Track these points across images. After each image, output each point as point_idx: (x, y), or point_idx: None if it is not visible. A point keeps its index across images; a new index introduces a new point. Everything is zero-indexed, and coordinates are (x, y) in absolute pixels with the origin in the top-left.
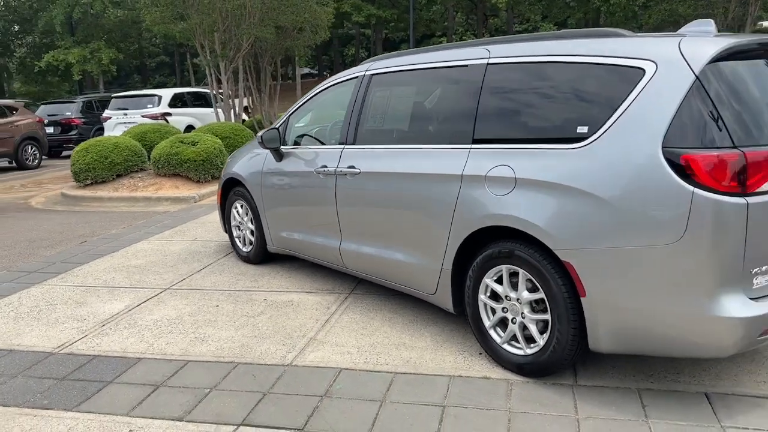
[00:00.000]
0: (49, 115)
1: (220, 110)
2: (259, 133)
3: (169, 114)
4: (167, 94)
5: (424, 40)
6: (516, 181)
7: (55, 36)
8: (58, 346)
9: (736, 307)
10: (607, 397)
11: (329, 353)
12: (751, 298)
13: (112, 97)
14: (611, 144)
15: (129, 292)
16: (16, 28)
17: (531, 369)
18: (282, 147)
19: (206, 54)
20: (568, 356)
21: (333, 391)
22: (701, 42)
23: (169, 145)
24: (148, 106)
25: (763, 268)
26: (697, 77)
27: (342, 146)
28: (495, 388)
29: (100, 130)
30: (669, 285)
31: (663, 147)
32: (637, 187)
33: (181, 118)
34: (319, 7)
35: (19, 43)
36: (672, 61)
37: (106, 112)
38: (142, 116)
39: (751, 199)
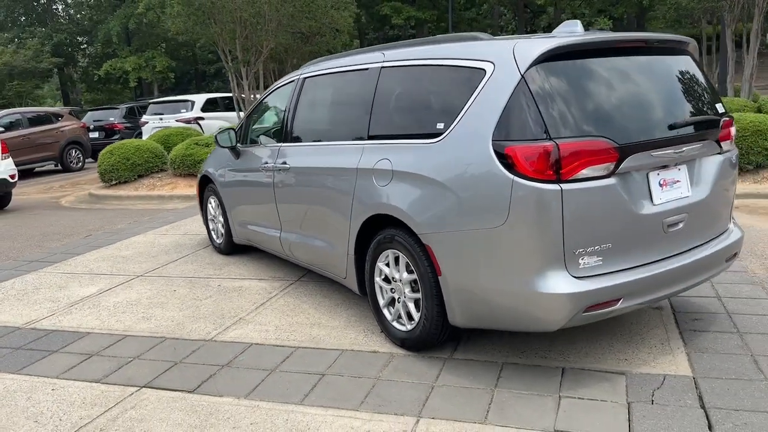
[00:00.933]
0: (94, 121)
1: (242, 113)
2: (215, 133)
3: (202, 118)
4: (200, 99)
5: None
6: (393, 173)
7: (114, 46)
8: (26, 323)
9: (560, 284)
10: (471, 369)
11: (249, 331)
12: (576, 277)
13: (150, 103)
14: (458, 138)
15: (106, 279)
16: (80, 39)
17: (410, 343)
18: (239, 145)
19: (228, 60)
20: (437, 331)
21: (235, 362)
22: (532, 44)
23: (185, 147)
24: (182, 110)
25: (588, 250)
26: (522, 77)
27: (279, 144)
28: (377, 360)
29: (141, 135)
30: (502, 264)
31: (493, 140)
32: (474, 177)
33: (213, 122)
34: (336, 13)
35: (83, 53)
36: (505, 63)
37: (144, 117)
38: (176, 120)
39: (566, 186)
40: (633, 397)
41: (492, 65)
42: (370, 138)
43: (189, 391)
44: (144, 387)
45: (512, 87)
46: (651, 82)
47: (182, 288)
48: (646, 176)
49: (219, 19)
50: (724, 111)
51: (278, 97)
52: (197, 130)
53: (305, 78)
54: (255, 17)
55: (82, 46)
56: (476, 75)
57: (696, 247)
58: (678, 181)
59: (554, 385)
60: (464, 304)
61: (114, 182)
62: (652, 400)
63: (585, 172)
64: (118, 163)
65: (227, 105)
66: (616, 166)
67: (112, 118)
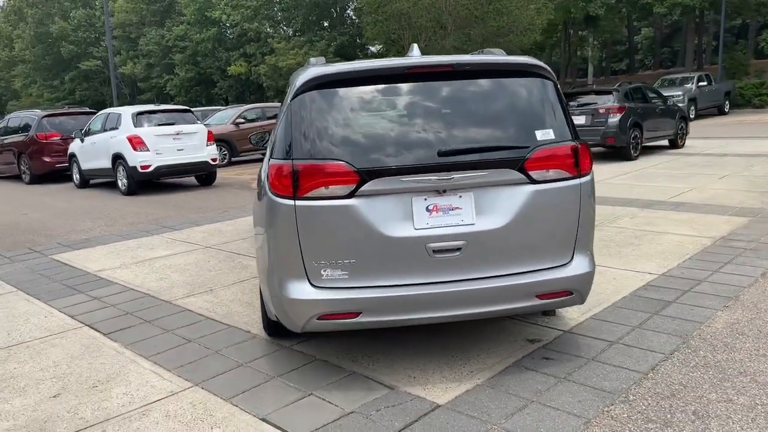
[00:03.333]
0: None
1: None
2: None
3: None
4: None
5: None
6: None
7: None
8: (97, 270)
9: (298, 291)
10: (286, 358)
11: (201, 301)
12: (317, 286)
13: None
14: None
15: (184, 246)
16: (358, 41)
17: (269, 330)
18: None
19: None
20: (276, 322)
21: (159, 321)
22: (307, 73)
23: None
24: None
25: (330, 263)
26: (289, 104)
27: None
28: (243, 338)
29: None
30: (266, 267)
31: (270, 157)
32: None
33: None
34: (520, 12)
35: (364, 53)
36: (291, 90)
37: None
38: None
39: (299, 203)
40: (362, 408)
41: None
42: None
43: (104, 334)
44: (85, 326)
45: (284, 113)
46: (434, 108)
47: (215, 260)
48: (411, 200)
49: (401, 26)
50: (553, 139)
51: None
52: None
53: None
54: (432, 22)
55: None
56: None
57: (486, 277)
58: (457, 208)
59: (321, 384)
60: (266, 301)
61: None
62: (370, 415)
63: (321, 191)
64: None
65: None
66: (356, 188)
67: None
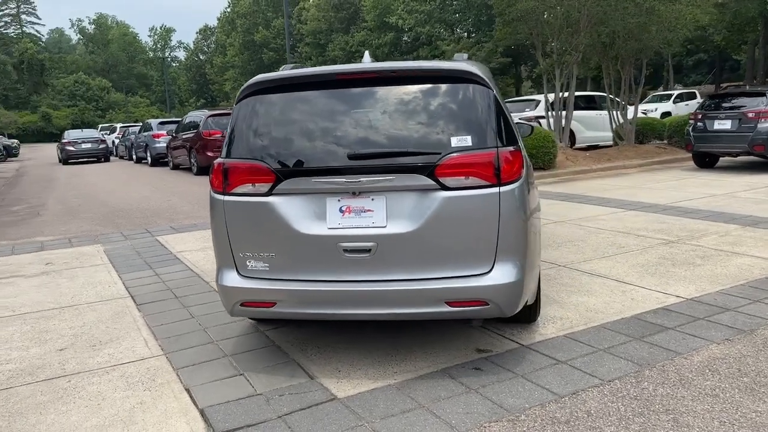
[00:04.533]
0: None
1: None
2: None
3: (543, 117)
4: (545, 98)
5: None
6: None
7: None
8: (178, 252)
9: (226, 278)
10: (254, 341)
11: None
12: (242, 275)
13: (505, 102)
14: None
15: None
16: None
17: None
18: None
19: (543, 60)
20: None
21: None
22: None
23: None
24: (526, 110)
25: (253, 255)
26: (234, 109)
27: None
28: (232, 320)
29: None
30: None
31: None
32: None
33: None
34: (664, 6)
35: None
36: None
37: None
38: (518, 119)
39: (227, 198)
40: (271, 392)
41: None
42: None
43: (137, 305)
44: (129, 296)
45: (231, 116)
46: (354, 113)
47: None
48: (325, 200)
49: (528, 25)
50: (468, 146)
51: None
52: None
53: None
54: (560, 20)
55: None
56: None
57: (395, 280)
58: (369, 210)
59: (257, 366)
60: None
61: None
62: (271, 398)
63: (244, 188)
64: None
65: (579, 104)
66: (273, 187)
67: None
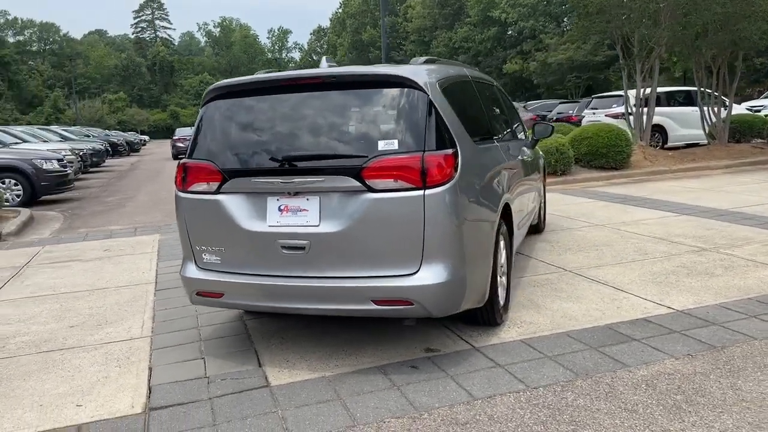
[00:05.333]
0: (558, 113)
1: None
2: None
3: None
4: (633, 94)
5: None
6: None
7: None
8: None
9: (186, 269)
10: (230, 329)
11: None
12: (199, 267)
13: (593, 98)
14: None
15: None
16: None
17: None
18: None
19: (624, 55)
20: None
21: None
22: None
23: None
24: (613, 105)
25: (207, 248)
26: (198, 112)
27: None
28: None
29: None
30: None
31: None
32: None
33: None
34: None
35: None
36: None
37: (585, 111)
38: (605, 115)
39: (184, 195)
40: (216, 375)
41: None
42: None
43: (155, 290)
44: (155, 282)
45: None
46: (296, 116)
47: None
48: (266, 199)
49: (606, 18)
50: (395, 149)
51: None
52: (617, 125)
53: None
54: (638, 13)
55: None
56: None
57: (326, 277)
58: (305, 210)
59: (218, 353)
60: None
61: None
62: (213, 381)
63: (199, 187)
64: None
65: (669, 100)
66: (220, 186)
67: (570, 111)
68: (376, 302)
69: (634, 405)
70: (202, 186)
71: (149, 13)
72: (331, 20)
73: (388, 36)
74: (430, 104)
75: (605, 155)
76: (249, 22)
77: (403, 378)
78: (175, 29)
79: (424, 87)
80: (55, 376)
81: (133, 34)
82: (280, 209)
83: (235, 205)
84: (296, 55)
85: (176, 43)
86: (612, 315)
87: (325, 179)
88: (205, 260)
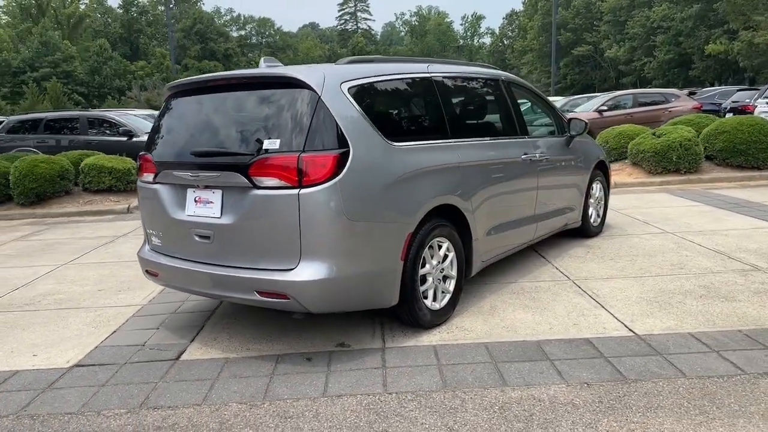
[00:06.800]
0: (732, 102)
1: None
2: None
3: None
4: None
5: None
6: None
7: None
8: None
9: (141, 250)
10: (198, 315)
11: None
12: (150, 249)
13: None
14: None
15: None
16: None
17: None
18: None
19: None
20: None
21: None
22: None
23: (642, 137)
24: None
25: (152, 232)
26: (162, 108)
27: None
28: None
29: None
30: None
31: None
32: None
33: None
34: None
35: None
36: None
37: (758, 100)
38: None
39: (139, 182)
40: (142, 348)
41: None
42: None
43: None
44: None
45: None
46: (206, 115)
47: None
48: (186, 191)
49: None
50: (276, 149)
51: None
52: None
53: None
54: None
55: None
56: None
57: (223, 265)
58: (211, 202)
59: (169, 336)
60: None
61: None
62: (140, 349)
63: (146, 177)
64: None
65: None
66: (155, 176)
67: (747, 100)
68: (260, 293)
69: (462, 425)
70: (148, 176)
71: (352, 5)
72: (524, 3)
73: (581, 18)
74: (319, 104)
75: (744, 152)
76: (446, 9)
77: (287, 368)
78: (374, 20)
79: (315, 87)
80: (47, 329)
81: (338, 26)
82: (195, 200)
83: (165, 194)
84: (487, 40)
85: (378, 34)
86: (557, 331)
87: (221, 175)
88: (152, 243)
